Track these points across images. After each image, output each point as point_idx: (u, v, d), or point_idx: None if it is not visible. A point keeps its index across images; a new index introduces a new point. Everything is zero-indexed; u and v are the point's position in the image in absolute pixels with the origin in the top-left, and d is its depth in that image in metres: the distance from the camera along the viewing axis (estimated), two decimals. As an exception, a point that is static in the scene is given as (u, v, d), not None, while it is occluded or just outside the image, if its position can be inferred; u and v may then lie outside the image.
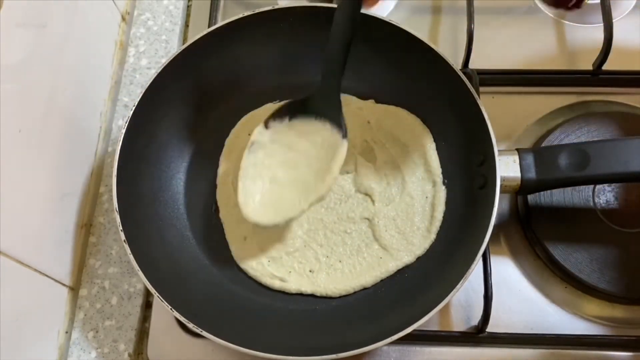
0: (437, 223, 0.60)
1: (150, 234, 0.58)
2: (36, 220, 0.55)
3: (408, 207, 0.61)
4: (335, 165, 0.55)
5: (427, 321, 0.49)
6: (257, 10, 0.61)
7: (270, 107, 0.66)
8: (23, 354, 0.53)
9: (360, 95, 0.66)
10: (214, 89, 0.65)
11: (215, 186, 0.63)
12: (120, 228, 0.53)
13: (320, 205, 0.61)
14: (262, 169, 0.57)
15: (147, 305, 0.63)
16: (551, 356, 0.57)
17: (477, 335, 0.57)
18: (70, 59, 0.61)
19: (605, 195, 0.61)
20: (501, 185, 0.53)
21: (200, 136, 0.65)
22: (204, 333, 0.50)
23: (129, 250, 0.52)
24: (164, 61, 0.60)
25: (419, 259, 0.59)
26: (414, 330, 0.49)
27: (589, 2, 0.72)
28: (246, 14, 0.61)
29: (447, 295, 0.50)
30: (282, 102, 0.58)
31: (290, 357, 0.49)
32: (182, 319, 0.51)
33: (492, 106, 0.66)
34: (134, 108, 0.57)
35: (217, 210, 0.62)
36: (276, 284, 0.59)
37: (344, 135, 0.55)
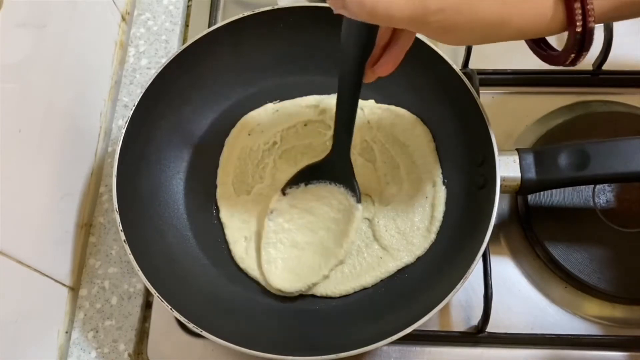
0: (437, 223, 0.60)
1: (150, 234, 0.58)
2: (36, 220, 0.55)
3: (408, 207, 0.61)
4: (351, 229, 0.57)
5: (427, 321, 0.49)
6: (257, 10, 0.61)
7: (271, 107, 0.66)
8: (23, 354, 0.53)
9: (360, 95, 0.66)
10: (214, 88, 0.65)
11: (215, 186, 0.63)
12: (120, 228, 0.53)
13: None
14: (283, 234, 0.59)
15: (147, 305, 0.63)
16: (551, 356, 0.57)
17: (477, 335, 0.57)
18: (70, 59, 0.61)
19: (605, 195, 0.61)
20: (501, 185, 0.53)
21: (200, 136, 0.65)
22: (204, 333, 0.50)
23: (129, 250, 0.52)
24: (164, 61, 0.60)
25: (419, 259, 0.59)
26: (414, 330, 0.49)
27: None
28: (246, 14, 0.61)
29: (447, 295, 0.50)
30: (299, 172, 0.60)
31: (290, 357, 0.49)
32: (182, 319, 0.51)
33: (492, 106, 0.67)
34: (134, 108, 0.57)
35: (217, 210, 0.62)
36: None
37: (359, 200, 0.57)
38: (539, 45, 0.46)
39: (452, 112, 0.61)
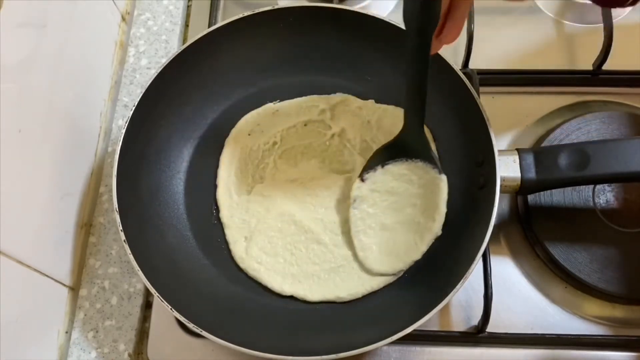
0: (437, 223, 0.59)
1: (150, 234, 0.58)
2: (36, 220, 0.55)
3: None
4: (441, 201, 0.57)
5: (427, 321, 0.49)
6: (257, 10, 0.61)
7: (271, 107, 0.66)
8: (23, 354, 0.53)
9: (360, 95, 0.66)
10: (214, 88, 0.65)
11: (215, 186, 0.63)
12: (120, 228, 0.53)
13: (320, 205, 0.61)
14: (370, 220, 0.59)
15: (147, 305, 0.63)
16: (551, 356, 0.57)
17: (477, 335, 0.57)
18: (70, 59, 0.61)
19: (605, 195, 0.61)
20: (501, 185, 0.53)
21: (200, 136, 0.65)
22: (204, 333, 0.50)
23: (129, 250, 0.52)
24: (164, 61, 0.60)
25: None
26: (414, 330, 0.49)
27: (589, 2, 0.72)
28: (246, 14, 0.61)
29: (447, 295, 0.50)
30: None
31: (290, 357, 0.49)
32: (182, 319, 0.51)
33: (492, 106, 0.66)
34: (134, 108, 0.57)
35: (217, 210, 0.62)
36: (276, 284, 0.59)
37: (441, 171, 0.57)
38: None
39: (452, 112, 0.61)
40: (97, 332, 0.60)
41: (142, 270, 0.52)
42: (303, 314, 0.58)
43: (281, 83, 0.66)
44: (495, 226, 0.52)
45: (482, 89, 0.63)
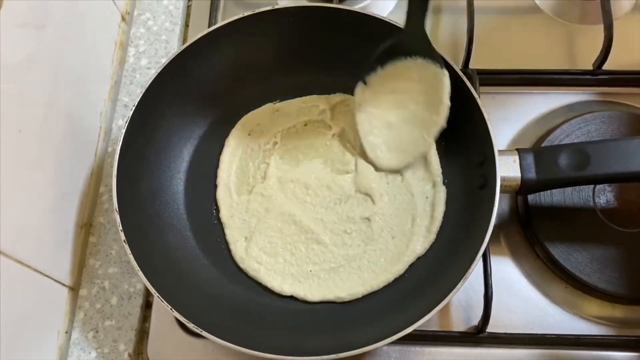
0: (437, 223, 0.60)
1: (150, 234, 0.58)
2: (36, 220, 0.55)
3: (408, 207, 0.61)
4: (444, 95, 0.57)
5: (427, 321, 0.49)
6: (257, 10, 0.61)
7: (271, 107, 0.66)
8: (23, 354, 0.53)
9: (360, 95, 0.66)
10: (214, 88, 0.65)
11: (215, 186, 0.63)
12: (120, 228, 0.53)
13: (320, 205, 0.61)
14: (375, 120, 0.60)
15: (147, 305, 0.63)
16: (551, 356, 0.57)
17: (477, 335, 0.57)
18: (70, 59, 0.61)
19: (605, 195, 0.61)
20: (501, 185, 0.53)
21: (200, 136, 0.65)
22: (204, 333, 0.50)
23: (129, 250, 0.52)
24: (164, 61, 0.60)
25: (419, 259, 0.59)
26: (414, 330, 0.49)
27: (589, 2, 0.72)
28: (246, 14, 0.61)
29: (447, 295, 0.50)
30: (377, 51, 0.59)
31: (290, 357, 0.49)
32: (182, 319, 0.51)
33: (492, 106, 0.67)
34: (134, 108, 0.57)
35: (217, 210, 0.62)
36: (276, 284, 0.59)
37: (442, 66, 0.57)
38: None
39: (452, 112, 0.61)
40: (97, 332, 0.60)
41: (142, 270, 0.52)
42: (303, 314, 0.58)
43: (281, 83, 0.66)
44: (495, 226, 0.52)
45: (482, 89, 0.63)
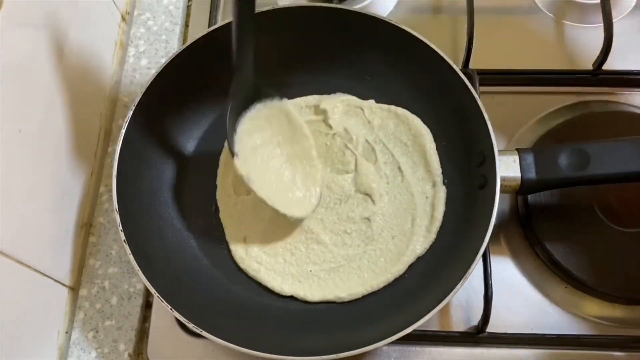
0: (437, 223, 0.60)
1: (150, 234, 0.58)
2: (36, 220, 0.55)
3: (408, 207, 0.61)
4: (297, 120, 0.59)
5: (427, 321, 0.49)
6: (257, 10, 0.61)
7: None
8: (23, 354, 0.53)
9: (360, 95, 0.66)
10: (214, 88, 0.65)
11: (215, 186, 0.63)
12: (120, 228, 0.53)
13: (320, 205, 0.61)
14: (269, 170, 0.58)
15: (147, 305, 0.63)
16: (551, 356, 0.57)
17: (477, 335, 0.57)
18: (70, 59, 0.61)
19: (605, 195, 0.61)
20: (501, 186, 0.53)
21: (200, 136, 0.65)
22: (204, 333, 0.50)
23: (129, 250, 0.52)
24: (164, 61, 0.60)
25: (419, 259, 0.59)
26: (414, 330, 0.49)
27: (589, 2, 0.72)
28: (246, 14, 0.61)
29: (447, 295, 0.50)
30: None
31: (290, 357, 0.49)
32: (182, 319, 0.51)
33: (492, 106, 0.66)
34: (134, 108, 0.57)
35: (217, 210, 0.62)
36: (276, 284, 0.59)
37: (280, 97, 0.58)
38: None
39: (452, 112, 0.61)
40: (97, 332, 0.60)
41: (142, 270, 0.52)
42: (303, 314, 0.58)
43: (281, 83, 0.66)
44: (495, 226, 0.52)
45: (482, 89, 0.63)
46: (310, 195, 0.59)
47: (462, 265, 0.51)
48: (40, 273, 0.55)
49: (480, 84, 0.63)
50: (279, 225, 0.60)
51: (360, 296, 0.58)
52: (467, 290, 0.60)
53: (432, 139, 0.63)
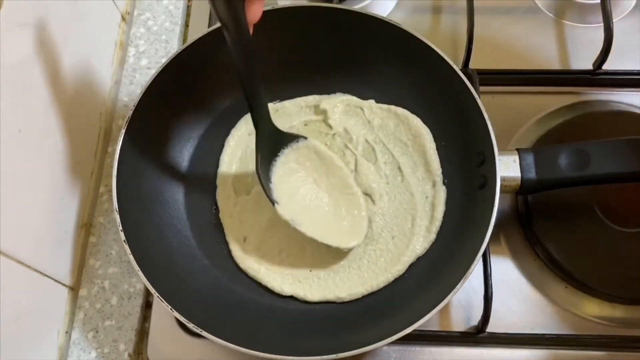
0: (437, 223, 0.60)
1: (150, 234, 0.58)
2: (36, 220, 0.55)
3: (408, 207, 0.61)
4: (327, 154, 0.59)
5: (427, 321, 0.49)
6: (257, 10, 0.61)
7: (270, 106, 0.66)
8: (23, 354, 0.53)
9: (360, 95, 0.66)
10: (214, 88, 0.65)
11: (215, 186, 0.63)
12: (120, 228, 0.53)
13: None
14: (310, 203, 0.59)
15: (147, 305, 0.63)
16: (551, 356, 0.57)
17: (477, 335, 0.57)
18: (70, 59, 0.61)
19: (605, 196, 0.61)
20: (501, 186, 0.53)
21: (200, 136, 0.65)
22: (204, 333, 0.50)
23: (129, 250, 0.52)
24: (164, 61, 0.60)
25: (419, 259, 0.59)
26: (414, 330, 0.49)
27: (589, 2, 0.72)
28: (246, 14, 0.61)
29: (447, 295, 0.50)
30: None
31: (290, 357, 0.49)
32: (182, 319, 0.51)
33: (492, 106, 0.66)
34: (134, 108, 0.57)
35: (217, 210, 0.62)
36: (276, 284, 0.59)
37: (304, 137, 0.59)
38: None
39: (452, 112, 0.61)
40: (97, 332, 0.60)
41: (142, 270, 0.52)
42: (303, 314, 0.58)
43: (281, 83, 0.66)
44: (495, 226, 0.52)
45: (482, 89, 0.63)
46: (358, 221, 0.59)
47: (462, 265, 0.51)
48: (40, 273, 0.55)
49: (480, 84, 0.63)
50: (279, 226, 0.60)
51: (360, 296, 0.58)
52: (467, 290, 0.60)
53: (432, 139, 0.63)
